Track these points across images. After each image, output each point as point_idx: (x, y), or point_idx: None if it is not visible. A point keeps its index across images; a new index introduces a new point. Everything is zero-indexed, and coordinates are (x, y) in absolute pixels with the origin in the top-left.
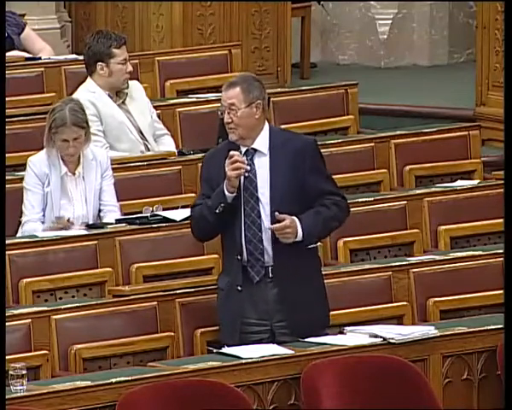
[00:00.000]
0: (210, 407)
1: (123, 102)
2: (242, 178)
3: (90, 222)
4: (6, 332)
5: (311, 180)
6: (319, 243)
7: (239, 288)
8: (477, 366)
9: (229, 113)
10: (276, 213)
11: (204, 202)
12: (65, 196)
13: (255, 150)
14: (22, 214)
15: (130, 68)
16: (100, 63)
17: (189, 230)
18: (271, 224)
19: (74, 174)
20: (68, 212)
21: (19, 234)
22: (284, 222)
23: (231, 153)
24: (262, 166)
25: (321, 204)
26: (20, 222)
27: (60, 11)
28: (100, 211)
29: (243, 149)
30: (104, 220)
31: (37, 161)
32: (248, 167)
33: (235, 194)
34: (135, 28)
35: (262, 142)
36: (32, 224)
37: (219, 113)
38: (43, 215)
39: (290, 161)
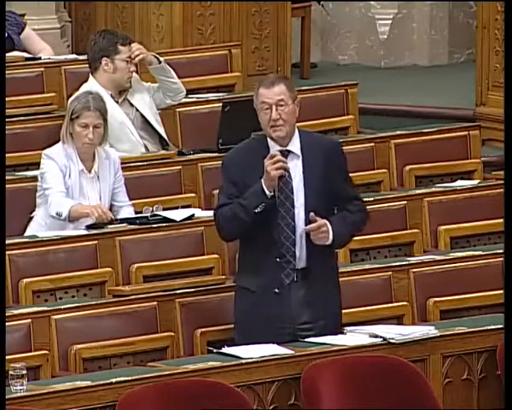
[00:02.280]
0: (210, 407)
1: (124, 99)
2: (277, 180)
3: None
4: (6, 332)
5: (339, 183)
6: None
7: (276, 290)
8: (477, 366)
9: (276, 109)
10: (312, 214)
11: (235, 202)
12: (81, 193)
13: (289, 152)
14: (46, 193)
15: (133, 68)
16: (105, 59)
17: (189, 230)
18: (306, 226)
19: (90, 172)
20: None
21: (31, 226)
22: (319, 222)
23: (273, 152)
24: (295, 168)
25: (346, 209)
26: (30, 218)
27: (60, 11)
28: (114, 211)
29: (277, 150)
30: (118, 216)
31: (56, 152)
32: (289, 166)
33: (272, 193)
34: (135, 28)
35: (295, 143)
36: (60, 196)
37: (263, 111)
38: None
39: (322, 163)
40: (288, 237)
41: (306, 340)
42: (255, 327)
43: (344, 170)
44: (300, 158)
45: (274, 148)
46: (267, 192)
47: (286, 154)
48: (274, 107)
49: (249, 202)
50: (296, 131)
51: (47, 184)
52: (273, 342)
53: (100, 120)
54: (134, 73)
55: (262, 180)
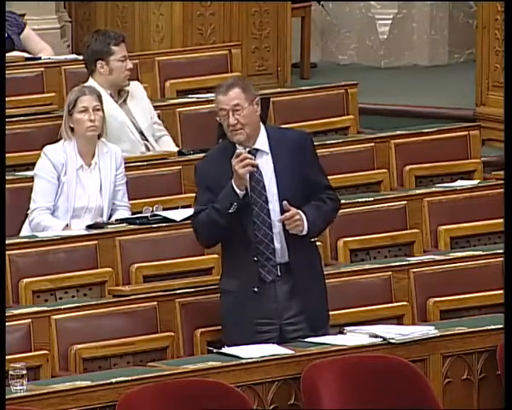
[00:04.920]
0: (210, 407)
1: (124, 102)
2: (248, 178)
3: (105, 213)
4: (6, 332)
5: (310, 173)
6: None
7: (255, 289)
8: (477, 366)
9: (233, 114)
10: (285, 203)
11: (210, 207)
12: (80, 187)
13: (257, 150)
14: (31, 202)
15: (130, 65)
16: (100, 61)
17: (189, 230)
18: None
19: (90, 165)
20: (83, 202)
21: (26, 224)
22: (292, 211)
23: (238, 151)
24: (265, 165)
25: (318, 198)
26: (27, 214)
27: (60, 11)
28: (111, 209)
29: (246, 150)
30: (113, 217)
31: (54, 151)
32: (257, 162)
33: (244, 191)
34: (135, 28)
35: (262, 141)
36: (42, 214)
37: (218, 118)
38: (53, 205)
39: (292, 157)
40: (265, 235)
41: (306, 340)
42: (239, 327)
43: (315, 161)
44: (269, 154)
45: (244, 147)
46: (238, 192)
47: (254, 152)
48: (231, 112)
49: (222, 205)
50: (262, 128)
51: (35, 193)
52: (260, 341)
53: (98, 102)
54: (140, 86)
55: (232, 181)
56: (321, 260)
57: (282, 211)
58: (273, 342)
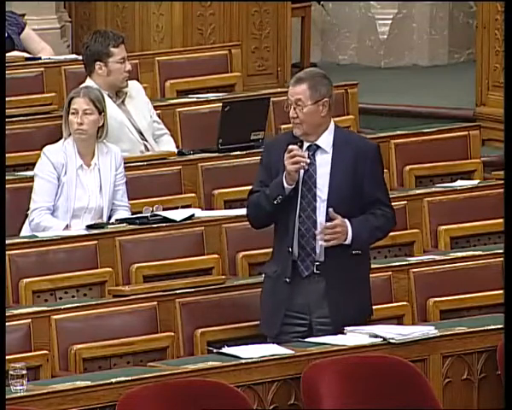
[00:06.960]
0: (210, 407)
1: (122, 102)
2: (302, 171)
3: (105, 213)
4: (6, 332)
5: (368, 185)
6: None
7: (287, 280)
8: (477, 366)
9: (294, 108)
10: (330, 210)
11: (262, 191)
12: (80, 187)
13: (318, 147)
14: (31, 202)
15: (128, 67)
16: (98, 63)
17: (189, 230)
18: (326, 222)
19: (89, 166)
20: (83, 203)
21: (26, 224)
22: (335, 221)
23: (290, 147)
24: (323, 163)
25: (370, 212)
26: (27, 215)
27: (60, 11)
28: (111, 209)
29: (306, 144)
30: (114, 217)
31: (55, 151)
32: (308, 161)
33: (293, 186)
34: (135, 28)
35: (326, 139)
36: (42, 214)
37: (284, 106)
38: (53, 205)
39: (351, 163)
40: (308, 230)
41: (306, 340)
42: (271, 314)
43: (375, 174)
44: (330, 154)
45: (305, 141)
46: (285, 185)
47: (314, 148)
48: (293, 105)
49: (271, 193)
50: (332, 127)
51: (35, 193)
52: (289, 333)
53: (90, 106)
54: (138, 85)
55: (284, 173)
56: (365, 270)
57: (328, 212)
58: (301, 338)
